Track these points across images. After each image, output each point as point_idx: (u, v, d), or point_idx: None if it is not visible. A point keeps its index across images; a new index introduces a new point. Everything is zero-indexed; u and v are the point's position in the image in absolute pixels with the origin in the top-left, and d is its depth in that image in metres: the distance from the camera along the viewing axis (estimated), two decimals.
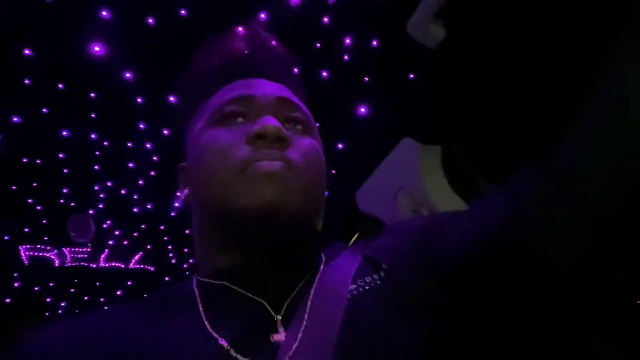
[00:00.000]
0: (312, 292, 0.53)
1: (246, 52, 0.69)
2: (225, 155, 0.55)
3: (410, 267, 0.53)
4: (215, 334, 0.48)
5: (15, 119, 3.11)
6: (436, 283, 0.50)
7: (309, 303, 0.52)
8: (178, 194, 0.67)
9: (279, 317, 0.51)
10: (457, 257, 0.48)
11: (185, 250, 5.02)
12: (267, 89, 0.63)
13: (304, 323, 0.49)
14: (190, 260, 5.16)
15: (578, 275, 0.39)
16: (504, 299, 0.44)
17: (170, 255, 5.16)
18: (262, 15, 2.29)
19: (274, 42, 0.73)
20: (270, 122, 0.55)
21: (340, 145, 2.78)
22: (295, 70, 0.75)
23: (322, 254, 0.62)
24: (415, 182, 2.12)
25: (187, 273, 5.23)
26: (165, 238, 4.83)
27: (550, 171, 0.40)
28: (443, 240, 0.52)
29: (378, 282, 0.53)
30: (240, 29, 0.73)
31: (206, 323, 0.50)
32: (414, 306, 0.49)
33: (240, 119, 0.59)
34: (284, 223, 0.53)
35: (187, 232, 4.80)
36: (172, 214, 4.19)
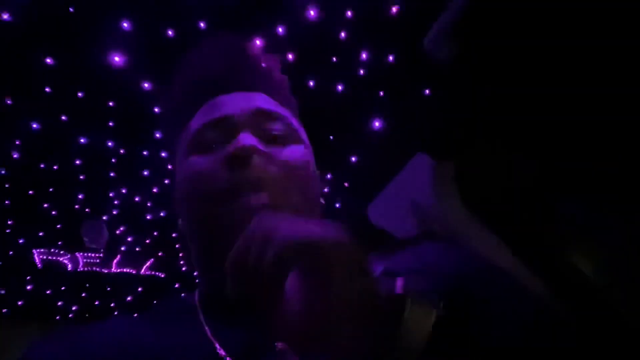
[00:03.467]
0: None
1: (220, 63, 0.67)
2: (205, 185, 0.53)
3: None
4: (214, 342, 0.48)
5: (34, 125, 3.17)
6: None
7: None
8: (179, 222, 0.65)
9: None
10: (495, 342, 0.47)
11: None
12: (242, 103, 0.60)
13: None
14: None
15: None
16: None
17: (181, 262, 5.17)
18: (280, 29, 2.32)
19: (249, 50, 0.70)
20: (245, 142, 0.53)
21: (353, 159, 2.79)
22: (277, 74, 0.71)
23: None
24: (428, 197, 2.12)
25: (197, 281, 5.23)
26: (177, 246, 4.85)
27: None
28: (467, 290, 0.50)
29: None
30: (212, 42, 0.70)
31: (207, 332, 0.50)
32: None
33: (218, 143, 0.57)
34: None
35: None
36: None
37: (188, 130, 0.62)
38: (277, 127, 0.59)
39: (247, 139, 0.54)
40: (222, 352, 0.47)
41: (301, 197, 0.55)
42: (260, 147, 0.54)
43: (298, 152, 0.59)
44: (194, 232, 0.56)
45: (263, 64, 0.69)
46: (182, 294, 0.61)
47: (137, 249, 4.96)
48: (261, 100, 0.62)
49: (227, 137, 0.57)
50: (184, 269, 5.21)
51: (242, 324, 0.51)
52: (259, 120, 0.59)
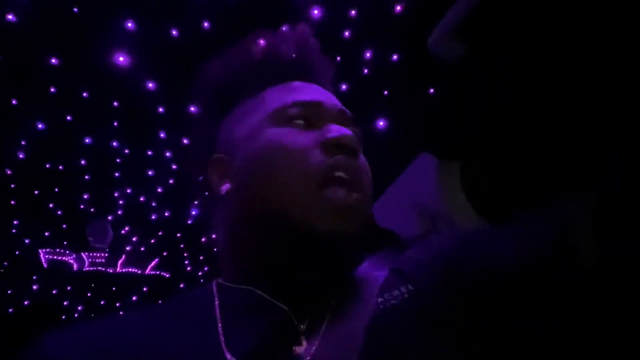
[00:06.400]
0: (334, 302, 0.52)
1: (299, 53, 0.67)
2: (300, 159, 0.52)
3: (440, 283, 0.51)
4: (224, 347, 0.47)
5: (40, 126, 3.18)
6: (467, 302, 0.48)
7: (330, 313, 0.51)
8: (211, 186, 0.61)
9: (303, 328, 0.49)
10: (495, 278, 0.47)
11: (201, 257, 5.05)
12: (330, 99, 0.61)
13: (323, 334, 0.48)
14: (205, 268, 5.19)
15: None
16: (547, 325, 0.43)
17: (186, 262, 5.19)
18: (284, 28, 2.31)
19: (321, 49, 0.70)
20: (347, 132, 0.53)
21: None
22: (334, 78, 0.73)
23: None
24: (433, 197, 2.11)
25: (202, 280, 5.25)
26: (182, 245, 4.86)
27: (594, 202, 0.39)
28: (475, 262, 0.50)
29: (406, 295, 0.50)
30: (289, 29, 0.69)
31: (220, 333, 0.49)
32: (442, 323, 0.48)
33: (304, 123, 0.57)
34: (344, 250, 0.52)
35: (202, 240, 4.83)
36: (189, 222, 4.23)
37: (267, 103, 0.60)
38: (358, 131, 0.60)
39: (346, 130, 0.54)
40: (229, 357, 0.46)
41: (369, 203, 0.56)
42: (358, 144, 0.55)
43: (366, 161, 0.59)
44: (260, 208, 0.54)
45: (332, 68, 0.71)
46: (197, 289, 0.59)
47: (142, 249, 4.98)
48: (341, 102, 0.63)
49: (315, 122, 0.57)
50: (188, 268, 5.23)
51: (263, 321, 0.50)
52: (345, 120, 0.59)
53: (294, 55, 0.66)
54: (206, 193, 0.63)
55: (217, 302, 0.53)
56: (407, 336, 0.46)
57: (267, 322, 0.50)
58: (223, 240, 0.59)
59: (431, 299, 0.49)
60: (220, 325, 0.49)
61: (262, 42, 0.67)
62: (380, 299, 0.50)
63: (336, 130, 0.53)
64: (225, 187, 0.59)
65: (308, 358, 0.46)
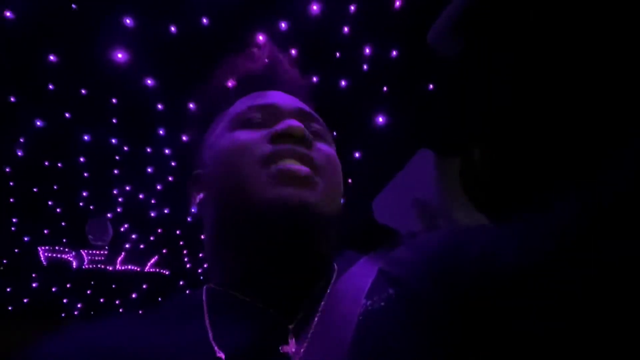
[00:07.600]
0: (323, 303, 0.53)
1: (263, 66, 0.71)
2: (246, 151, 0.55)
3: (428, 283, 0.52)
4: (215, 346, 0.48)
5: (38, 123, 3.17)
6: (455, 301, 0.49)
7: (319, 314, 0.51)
8: (191, 201, 0.66)
9: (291, 327, 0.50)
10: (495, 278, 0.47)
11: (200, 255, 5.05)
12: (288, 100, 0.64)
13: (311, 335, 0.49)
14: (205, 265, 5.19)
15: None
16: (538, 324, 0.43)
17: (186, 259, 5.19)
18: (283, 25, 2.31)
19: (288, 58, 0.75)
20: (295, 123, 0.56)
21: (357, 155, 2.78)
22: (307, 85, 0.76)
23: (335, 264, 0.61)
24: (432, 194, 2.11)
25: (202, 278, 5.26)
26: (181, 242, 4.87)
27: (593, 203, 0.39)
28: (467, 260, 0.50)
29: (393, 297, 0.51)
30: (256, 43, 0.76)
31: (210, 334, 0.49)
32: (429, 324, 0.48)
33: (261, 125, 0.59)
34: (305, 225, 0.52)
35: (202, 237, 4.81)
36: (189, 219, 4.22)
37: (230, 112, 0.64)
38: (318, 127, 0.63)
39: (295, 121, 0.57)
40: (221, 355, 0.47)
41: (332, 188, 0.57)
42: (307, 132, 0.57)
43: (333, 151, 0.62)
44: (224, 202, 0.56)
45: (299, 73, 0.75)
46: (189, 291, 0.60)
47: (142, 246, 4.98)
48: (302, 103, 0.66)
49: (272, 120, 0.59)
50: (188, 265, 5.23)
51: (250, 323, 0.51)
52: (302, 117, 0.62)
53: (261, 73, 0.70)
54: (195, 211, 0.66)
55: (206, 306, 0.54)
56: (394, 337, 0.47)
57: (254, 323, 0.51)
58: (207, 249, 0.62)
59: (420, 299, 0.50)
60: (209, 327, 0.50)
61: (233, 67, 0.72)
62: (369, 301, 0.51)
63: (284, 123, 0.56)
64: (199, 197, 0.63)
65: (297, 358, 0.47)
